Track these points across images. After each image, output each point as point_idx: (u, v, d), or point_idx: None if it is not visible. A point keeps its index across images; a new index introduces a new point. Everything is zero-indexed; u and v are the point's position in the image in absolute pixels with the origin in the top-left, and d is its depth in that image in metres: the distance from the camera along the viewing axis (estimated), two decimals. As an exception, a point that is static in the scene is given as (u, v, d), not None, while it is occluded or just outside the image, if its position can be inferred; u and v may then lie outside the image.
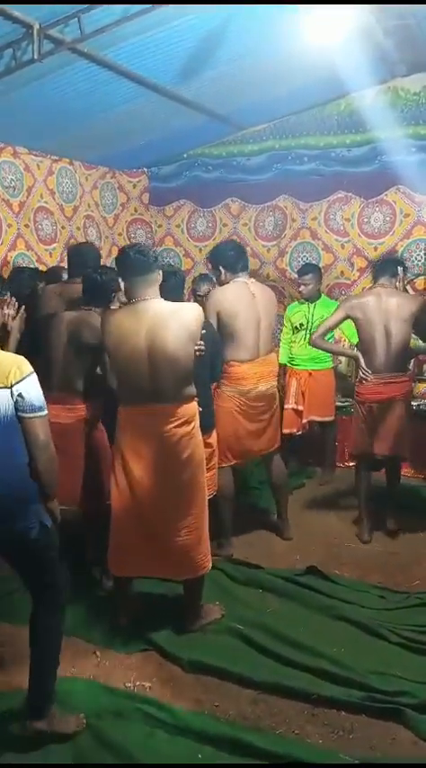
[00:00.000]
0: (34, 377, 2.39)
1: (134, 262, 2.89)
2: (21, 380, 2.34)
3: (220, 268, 3.95)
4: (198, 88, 4.70)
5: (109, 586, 3.46)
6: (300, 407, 5.31)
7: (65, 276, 4.26)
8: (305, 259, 6.03)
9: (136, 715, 2.64)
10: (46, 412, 2.42)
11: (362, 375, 4.08)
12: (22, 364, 2.38)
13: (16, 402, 2.33)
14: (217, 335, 3.73)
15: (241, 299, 3.87)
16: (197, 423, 3.03)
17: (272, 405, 4.08)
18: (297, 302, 5.53)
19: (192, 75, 4.43)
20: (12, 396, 2.32)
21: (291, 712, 2.69)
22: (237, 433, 3.96)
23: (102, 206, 6.50)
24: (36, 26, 3.36)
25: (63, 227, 5.92)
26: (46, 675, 2.51)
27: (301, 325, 5.31)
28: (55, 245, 5.80)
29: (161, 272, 2.97)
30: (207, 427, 3.41)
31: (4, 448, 2.35)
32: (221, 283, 4.01)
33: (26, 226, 5.47)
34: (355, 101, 5.63)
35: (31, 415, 2.36)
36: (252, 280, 4.07)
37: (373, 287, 4.20)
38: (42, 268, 5.41)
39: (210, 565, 3.18)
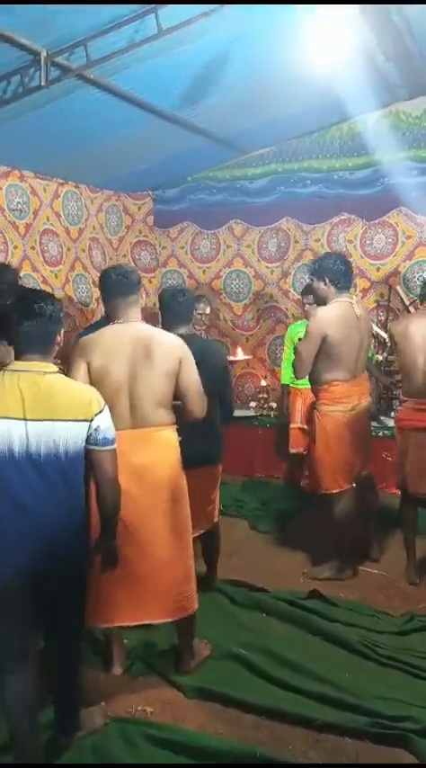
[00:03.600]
0: (107, 409, 2.34)
1: (115, 283, 2.88)
2: (100, 413, 2.28)
3: (326, 281, 3.88)
4: (202, 113, 4.76)
5: None
6: (306, 426, 5.30)
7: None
8: (308, 280, 6.05)
9: (140, 738, 2.60)
10: (115, 445, 2.36)
11: (402, 398, 3.92)
12: (98, 395, 2.33)
13: (90, 435, 2.26)
14: (229, 367, 3.66)
15: (347, 322, 3.82)
16: (176, 451, 2.92)
17: (369, 420, 4.14)
18: (299, 322, 5.55)
19: (196, 100, 4.50)
20: (89, 428, 2.25)
21: (295, 738, 2.66)
22: (344, 454, 3.92)
23: (107, 228, 6.55)
24: (43, 53, 3.42)
25: (68, 249, 5.97)
26: (75, 695, 2.51)
27: None
28: (60, 266, 5.85)
29: (141, 294, 3.00)
30: (217, 458, 3.47)
31: (72, 483, 2.27)
32: (320, 298, 3.95)
33: (32, 248, 5.52)
34: (357, 124, 5.70)
35: (104, 448, 2.30)
36: (355, 298, 4.03)
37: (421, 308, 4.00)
38: (48, 289, 5.46)
39: (197, 605, 3.01)
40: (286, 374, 5.51)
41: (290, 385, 5.48)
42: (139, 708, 2.84)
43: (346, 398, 3.89)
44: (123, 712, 2.80)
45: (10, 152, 4.86)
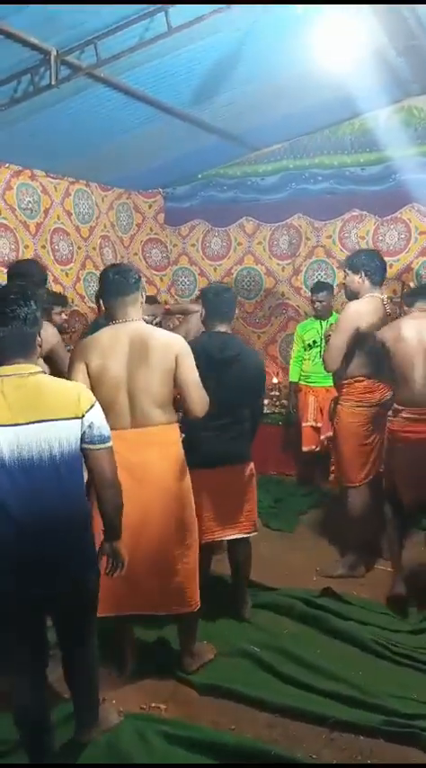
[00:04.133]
0: (98, 404, 2.26)
1: (113, 283, 2.87)
2: (91, 408, 2.20)
3: (362, 275, 3.84)
4: (212, 110, 4.76)
5: None
6: (319, 424, 5.30)
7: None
8: (319, 277, 6.04)
9: (154, 734, 2.61)
10: (112, 442, 2.28)
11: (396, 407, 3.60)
12: (86, 390, 2.26)
13: (84, 433, 2.18)
14: (264, 372, 3.57)
15: (378, 316, 3.79)
16: (178, 449, 2.92)
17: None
18: (309, 319, 5.54)
19: (207, 97, 4.49)
20: (82, 426, 2.17)
21: (308, 736, 2.66)
22: (366, 449, 3.91)
23: (117, 226, 6.56)
24: (53, 52, 3.42)
25: (79, 248, 5.98)
26: (93, 692, 2.51)
27: (314, 342, 5.33)
28: (71, 265, 5.87)
29: (143, 293, 2.97)
30: (246, 456, 3.41)
31: (70, 485, 2.17)
32: (353, 292, 3.91)
33: (43, 247, 5.53)
34: (369, 120, 5.66)
35: (100, 446, 2.22)
36: (385, 295, 4.00)
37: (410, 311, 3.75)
38: (58, 288, 5.48)
39: (199, 602, 2.99)
40: (294, 372, 5.51)
41: (300, 382, 5.48)
42: (153, 705, 2.85)
43: (370, 394, 3.87)
44: (137, 709, 2.82)
45: (21, 151, 4.88)
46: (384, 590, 3.77)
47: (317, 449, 5.32)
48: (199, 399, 2.87)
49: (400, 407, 3.54)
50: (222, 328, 3.33)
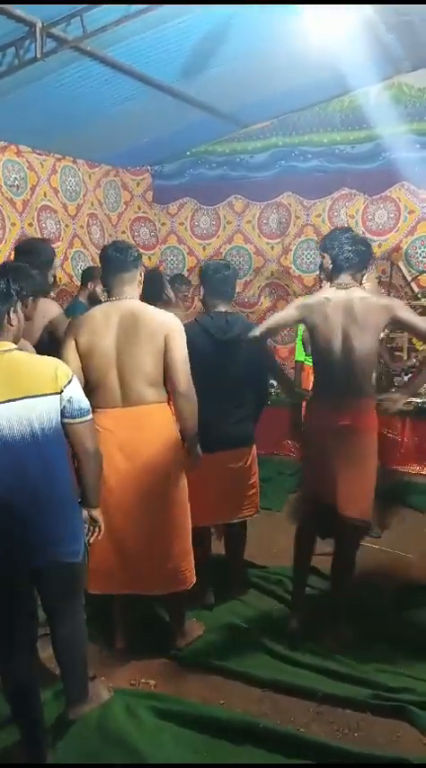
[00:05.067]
0: (76, 378, 2.26)
1: (110, 259, 2.84)
2: (68, 383, 2.18)
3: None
4: (201, 86, 4.70)
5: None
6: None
7: None
8: (309, 256, 6.03)
9: (144, 710, 2.64)
10: (91, 415, 2.27)
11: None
12: (62, 365, 2.23)
13: (64, 408, 2.17)
14: (267, 346, 3.38)
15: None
16: (170, 428, 2.88)
17: None
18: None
19: (195, 72, 4.43)
20: (61, 401, 2.15)
21: (297, 710, 2.69)
22: None
23: (105, 204, 6.50)
24: (38, 24, 3.36)
25: (67, 226, 5.92)
26: (81, 672, 2.51)
27: None
28: (59, 243, 5.80)
29: (141, 270, 2.92)
30: (249, 439, 3.34)
31: (52, 461, 2.17)
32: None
33: (30, 224, 5.47)
34: (359, 97, 5.63)
35: (80, 419, 2.21)
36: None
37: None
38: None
39: (194, 579, 3.00)
40: (299, 351, 5.49)
41: (304, 362, 5.46)
42: (143, 681, 2.87)
43: None
44: (126, 685, 2.84)
45: (6, 126, 4.80)
46: (371, 567, 3.81)
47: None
48: (184, 379, 2.82)
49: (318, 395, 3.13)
50: (223, 308, 3.22)
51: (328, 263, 3.12)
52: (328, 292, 2.99)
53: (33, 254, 3.31)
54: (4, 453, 2.07)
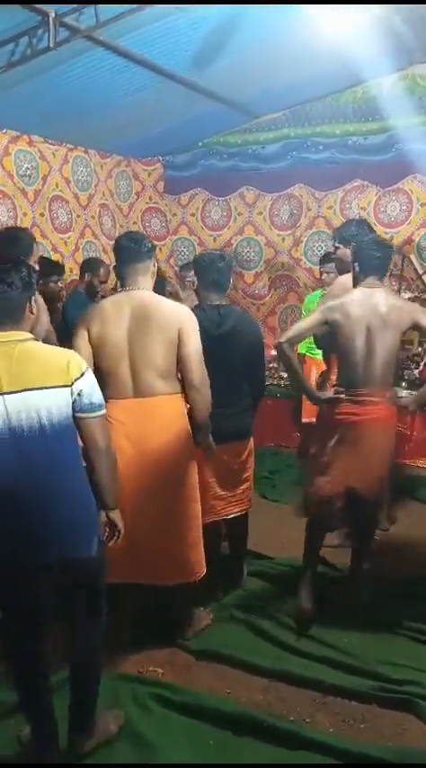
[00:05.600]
0: (91, 371, 2.20)
1: (124, 249, 2.83)
2: (81, 376, 2.12)
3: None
4: (213, 76, 4.67)
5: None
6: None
7: None
8: (320, 248, 6.01)
9: (150, 699, 2.66)
10: (104, 410, 2.22)
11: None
12: (76, 357, 2.18)
13: (74, 402, 2.11)
14: (263, 343, 3.38)
15: None
16: (182, 420, 2.87)
17: None
18: (317, 291, 5.48)
19: (207, 62, 4.41)
20: (71, 394, 2.10)
21: (302, 700, 2.71)
22: None
23: (116, 195, 6.50)
24: (52, 14, 3.36)
25: (78, 216, 5.93)
26: (90, 699, 2.38)
27: None
28: (70, 233, 5.82)
29: (154, 262, 2.88)
30: (245, 433, 3.31)
31: (61, 454, 2.11)
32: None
33: (41, 215, 5.48)
34: (372, 88, 5.58)
35: (91, 414, 2.15)
36: None
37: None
38: (57, 257, 5.44)
39: (204, 570, 2.99)
40: (302, 344, 5.47)
41: (306, 354, 5.46)
42: (150, 669, 2.90)
43: None
44: (134, 672, 2.87)
45: (18, 116, 4.80)
46: (379, 560, 3.81)
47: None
48: (199, 372, 2.82)
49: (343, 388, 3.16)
50: (217, 300, 3.18)
51: (346, 257, 3.41)
52: (355, 293, 3.12)
53: (11, 242, 3.24)
54: (12, 443, 2.04)
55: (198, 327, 2.83)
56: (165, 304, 2.85)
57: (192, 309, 3.01)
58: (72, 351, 2.24)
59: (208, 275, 3.19)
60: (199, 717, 2.58)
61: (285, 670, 2.84)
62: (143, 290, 2.83)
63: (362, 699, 2.69)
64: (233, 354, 3.16)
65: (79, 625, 2.33)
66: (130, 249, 2.82)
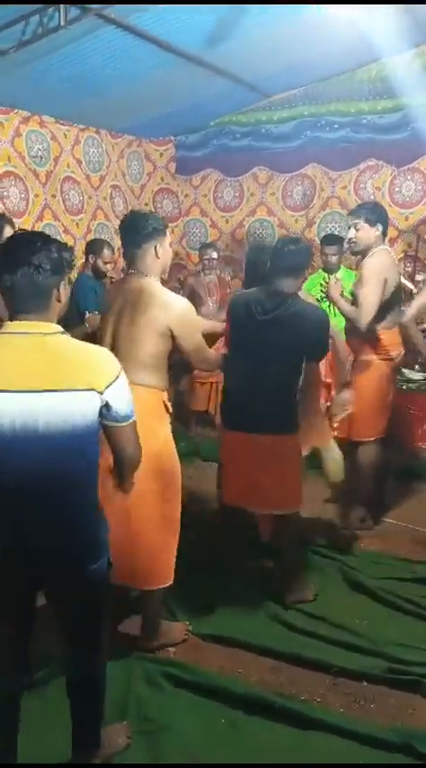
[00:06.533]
0: (124, 375, 1.98)
1: (125, 231, 2.73)
2: (114, 381, 1.91)
3: (379, 227, 3.73)
4: (225, 54, 4.60)
5: None
6: (328, 379, 5.26)
7: None
8: (333, 229, 5.94)
9: (161, 677, 2.69)
10: (135, 417, 2.02)
11: None
12: (110, 359, 1.96)
13: (101, 410, 1.91)
14: (327, 335, 3.04)
15: (396, 269, 3.80)
16: (158, 416, 2.71)
17: None
18: (316, 273, 5.42)
19: (220, 40, 4.34)
20: (101, 401, 1.89)
21: (313, 681, 2.73)
22: (387, 404, 3.91)
23: (128, 175, 6.46)
24: (62, -8, 3.32)
25: (90, 198, 5.90)
26: (93, 716, 2.21)
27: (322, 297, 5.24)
28: (82, 215, 5.80)
29: (160, 242, 2.68)
30: (290, 427, 3.06)
31: (79, 463, 1.91)
32: (367, 246, 3.75)
33: (53, 196, 5.46)
34: (387, 66, 5.46)
35: (117, 424, 1.97)
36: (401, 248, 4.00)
37: None
38: (69, 239, 5.43)
39: (171, 580, 2.81)
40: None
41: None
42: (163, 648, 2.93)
43: (393, 347, 3.80)
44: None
45: (29, 96, 4.77)
46: (392, 543, 3.82)
47: (328, 404, 5.29)
48: (204, 360, 2.81)
49: None
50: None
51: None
52: None
53: None
54: (28, 447, 1.82)
55: (195, 317, 2.75)
56: (160, 294, 2.67)
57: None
58: (105, 349, 2.02)
59: (276, 259, 3.00)
60: (211, 696, 2.61)
61: (296, 652, 2.85)
62: (142, 277, 2.70)
63: (373, 680, 2.71)
64: (278, 342, 2.93)
65: (77, 645, 2.14)
66: (127, 232, 2.71)
